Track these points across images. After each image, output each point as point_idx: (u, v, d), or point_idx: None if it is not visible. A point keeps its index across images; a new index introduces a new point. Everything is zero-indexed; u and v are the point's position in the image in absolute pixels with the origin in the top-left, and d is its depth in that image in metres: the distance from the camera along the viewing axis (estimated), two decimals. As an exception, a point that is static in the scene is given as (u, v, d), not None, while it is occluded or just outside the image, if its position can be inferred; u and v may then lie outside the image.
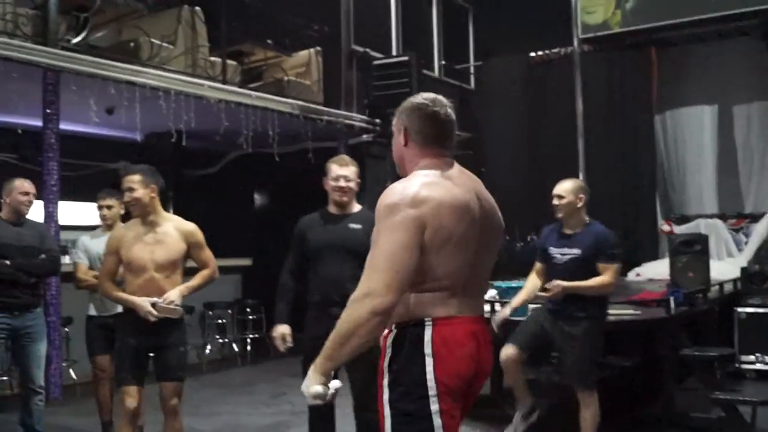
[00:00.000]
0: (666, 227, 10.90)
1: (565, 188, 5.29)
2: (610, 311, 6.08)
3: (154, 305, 4.52)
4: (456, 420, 2.60)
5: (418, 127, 2.75)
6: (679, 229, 10.38)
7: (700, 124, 11.15)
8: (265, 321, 10.29)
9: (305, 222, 4.75)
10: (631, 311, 6.22)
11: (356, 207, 4.70)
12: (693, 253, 7.51)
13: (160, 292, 4.57)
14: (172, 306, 4.55)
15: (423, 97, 2.80)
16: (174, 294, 4.58)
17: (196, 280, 4.81)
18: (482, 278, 2.79)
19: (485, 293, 3.01)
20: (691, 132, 11.25)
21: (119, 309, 5.68)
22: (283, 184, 11.46)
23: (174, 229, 4.68)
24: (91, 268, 5.77)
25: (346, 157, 4.78)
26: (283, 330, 4.58)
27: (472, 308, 2.68)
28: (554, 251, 5.22)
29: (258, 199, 12.71)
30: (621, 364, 8.78)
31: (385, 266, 2.47)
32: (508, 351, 5.30)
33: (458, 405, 2.60)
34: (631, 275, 10.17)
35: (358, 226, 4.51)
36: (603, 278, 5.01)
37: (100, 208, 5.90)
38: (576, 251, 5.12)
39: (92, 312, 5.82)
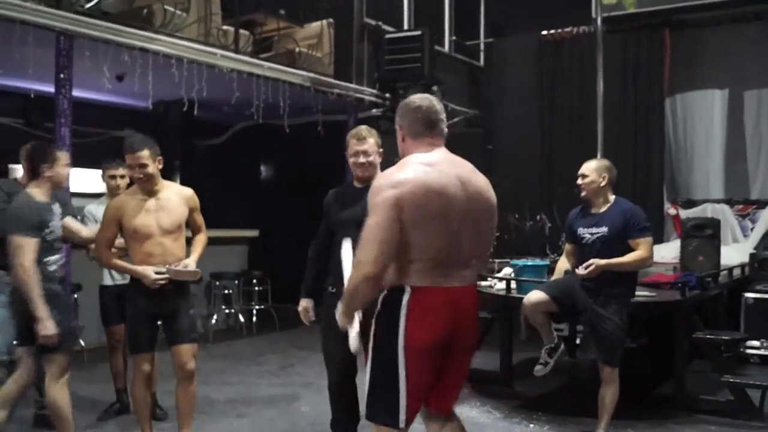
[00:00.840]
0: (672, 211, 10.89)
1: (588, 167, 5.31)
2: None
3: (169, 271, 4.57)
4: (426, 367, 3.15)
5: (408, 122, 3.25)
6: (685, 214, 10.38)
7: (710, 108, 11.11)
8: (270, 292, 10.32)
9: (330, 196, 4.78)
10: (644, 293, 6.22)
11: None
12: (704, 237, 7.52)
13: (171, 256, 4.64)
14: (191, 269, 4.64)
15: (410, 97, 3.32)
16: (191, 260, 4.71)
17: (198, 249, 4.88)
18: (467, 253, 3.22)
19: (474, 266, 3.34)
20: (701, 116, 11.21)
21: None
22: (291, 156, 11.45)
23: (175, 195, 4.78)
24: None
25: (364, 130, 4.65)
26: (305, 305, 4.67)
27: (453, 279, 3.18)
28: (583, 231, 5.24)
29: (266, 170, 12.69)
30: (627, 345, 8.84)
31: (372, 241, 3.02)
32: (536, 296, 5.38)
33: (429, 359, 3.15)
34: (636, 257, 10.18)
35: None
36: (639, 253, 5.04)
37: (112, 177, 5.84)
38: (604, 229, 5.14)
39: (107, 281, 5.82)
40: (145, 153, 4.66)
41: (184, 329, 4.73)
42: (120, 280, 5.71)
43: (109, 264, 4.80)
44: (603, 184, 5.24)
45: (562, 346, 5.59)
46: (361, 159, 4.54)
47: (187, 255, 4.79)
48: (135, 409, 4.85)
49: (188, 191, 4.88)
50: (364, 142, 4.54)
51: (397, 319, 3.11)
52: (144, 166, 4.62)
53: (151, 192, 4.68)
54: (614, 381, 5.15)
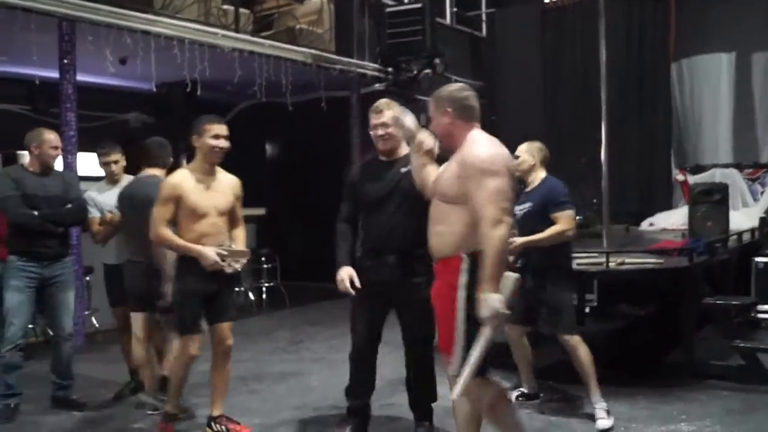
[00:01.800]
0: (680, 177, 10.89)
1: (521, 149, 5.53)
2: (630, 260, 6.18)
3: (224, 252, 4.62)
4: None
5: (459, 107, 3.67)
6: (693, 179, 10.39)
7: (718, 72, 11.10)
8: (279, 270, 10.40)
9: (356, 171, 4.82)
10: (652, 260, 6.26)
11: (404, 149, 4.63)
12: (712, 202, 7.53)
13: (223, 236, 4.73)
14: (244, 249, 4.78)
15: (457, 84, 3.80)
16: (242, 245, 4.87)
17: (242, 244, 4.91)
18: None
19: None
20: (708, 80, 11.20)
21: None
22: (296, 134, 11.48)
23: (225, 180, 4.83)
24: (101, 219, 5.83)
25: (382, 103, 4.65)
26: (349, 271, 4.55)
27: None
28: (516, 209, 5.30)
29: (271, 148, 12.73)
30: (635, 313, 8.91)
31: (497, 201, 3.41)
32: (508, 331, 5.56)
33: None
34: (644, 225, 10.21)
35: (406, 169, 4.49)
36: (556, 227, 5.19)
37: (107, 164, 5.92)
38: (528, 205, 5.35)
39: (109, 260, 5.90)
40: (225, 127, 4.78)
41: (227, 308, 4.84)
42: (115, 261, 5.77)
43: (168, 242, 4.66)
44: (533, 162, 5.45)
45: (540, 397, 5.71)
46: (380, 131, 4.58)
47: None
48: (172, 385, 4.84)
49: (235, 180, 4.91)
50: (382, 115, 4.57)
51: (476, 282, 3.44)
52: (227, 138, 4.71)
53: (209, 172, 4.72)
54: (580, 344, 5.24)
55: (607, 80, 7.21)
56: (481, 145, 3.58)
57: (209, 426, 4.90)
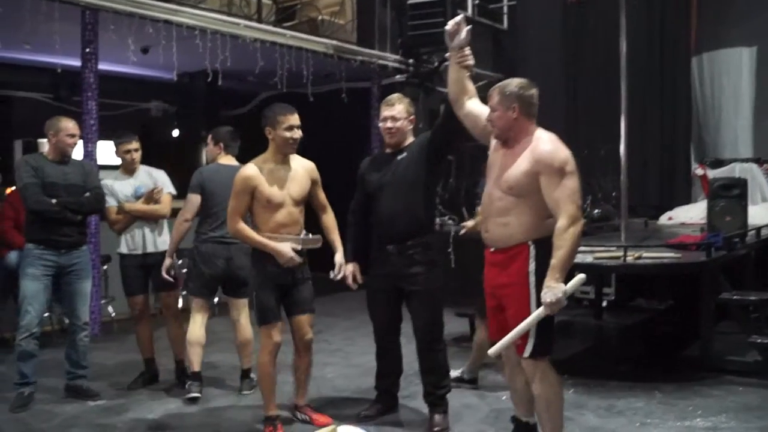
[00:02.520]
0: (699, 171, 10.73)
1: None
2: (648, 254, 6.09)
3: (301, 240, 4.64)
4: None
5: (527, 104, 3.81)
6: (713, 173, 10.23)
7: (738, 66, 10.88)
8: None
9: (364, 163, 4.98)
10: (670, 254, 6.17)
11: (409, 140, 4.81)
12: (731, 197, 7.41)
13: (298, 225, 4.70)
14: (317, 237, 4.74)
15: (523, 81, 3.87)
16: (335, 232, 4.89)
17: (336, 234, 4.89)
18: None
19: None
20: (729, 74, 10.98)
21: (152, 248, 5.80)
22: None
23: (300, 167, 4.76)
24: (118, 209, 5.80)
25: (394, 97, 4.86)
26: (351, 269, 4.82)
27: None
28: None
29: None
30: (653, 307, 8.83)
31: (576, 200, 3.66)
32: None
33: None
34: (663, 219, 10.09)
35: (403, 155, 4.73)
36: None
37: (127, 152, 5.85)
38: None
39: (123, 250, 5.83)
40: (402, 107, 4.77)
41: (307, 299, 4.79)
42: (135, 249, 5.77)
43: (243, 236, 4.62)
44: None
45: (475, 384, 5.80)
46: (389, 124, 4.74)
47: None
48: (262, 384, 4.78)
49: (311, 164, 4.84)
50: (393, 108, 4.75)
51: (547, 267, 3.66)
52: (300, 128, 4.64)
53: (282, 161, 4.66)
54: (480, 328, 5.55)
55: (628, 74, 7.12)
56: (555, 144, 3.78)
57: (293, 415, 4.99)
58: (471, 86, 4.25)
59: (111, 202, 5.75)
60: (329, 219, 4.93)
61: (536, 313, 3.66)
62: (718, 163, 10.70)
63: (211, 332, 7.64)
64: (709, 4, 10.78)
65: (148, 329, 5.91)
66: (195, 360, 5.55)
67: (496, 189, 3.89)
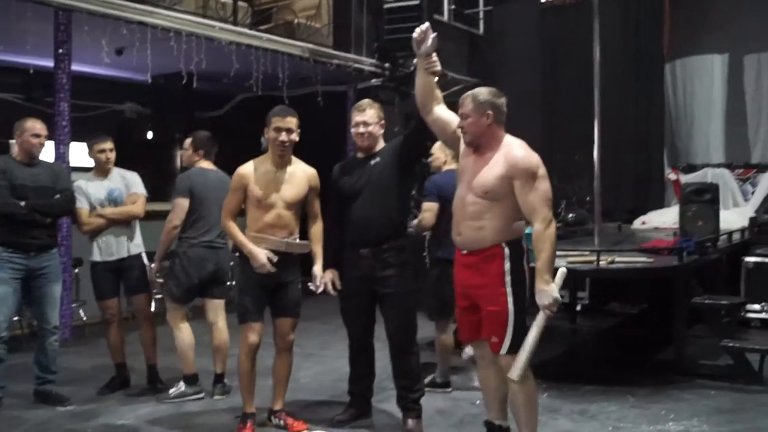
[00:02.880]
0: (672, 176, 10.81)
1: (436, 147, 5.77)
2: (620, 259, 6.10)
3: (285, 244, 4.63)
4: None
5: (498, 111, 3.93)
6: (685, 178, 10.31)
7: (711, 72, 10.98)
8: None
9: (336, 169, 4.96)
10: (643, 259, 6.19)
11: (380, 145, 4.86)
12: (703, 202, 7.46)
13: (288, 228, 4.68)
14: (303, 242, 4.74)
15: (493, 89, 3.99)
16: (318, 242, 4.87)
17: (320, 246, 4.85)
18: None
19: None
20: (701, 80, 11.08)
21: (125, 253, 5.71)
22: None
23: (300, 171, 4.75)
24: (92, 212, 5.66)
25: (365, 102, 4.89)
26: (330, 274, 4.84)
27: None
28: None
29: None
30: (627, 311, 8.86)
31: (549, 201, 3.80)
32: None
33: None
34: (637, 223, 10.15)
35: (377, 159, 4.76)
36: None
37: (102, 151, 5.71)
38: None
39: (96, 257, 5.68)
40: (295, 120, 4.72)
41: (291, 303, 4.79)
42: (109, 257, 5.66)
43: (230, 233, 4.73)
44: (444, 159, 5.78)
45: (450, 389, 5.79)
46: (361, 129, 4.77)
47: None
48: (240, 383, 4.82)
49: (312, 171, 4.82)
50: (364, 114, 4.78)
51: (524, 267, 3.93)
52: (291, 131, 4.63)
53: (280, 164, 4.66)
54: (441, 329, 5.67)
55: (602, 79, 7.15)
56: (526, 150, 3.92)
57: (269, 419, 4.94)
58: (438, 93, 4.32)
59: (83, 204, 5.62)
60: (317, 229, 4.89)
61: (539, 321, 3.77)
62: (691, 168, 10.80)
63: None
64: (683, 11, 10.86)
65: (120, 334, 5.81)
66: (190, 362, 5.58)
67: (470, 193, 3.95)
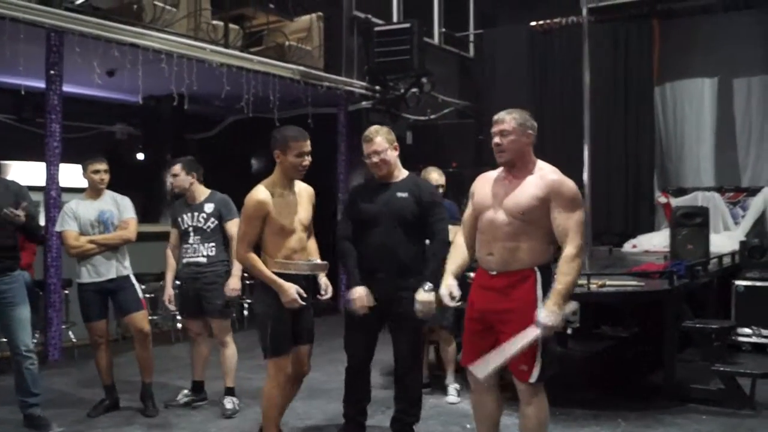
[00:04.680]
0: (663, 199, 10.91)
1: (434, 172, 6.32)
2: (611, 282, 6.13)
3: (310, 266, 4.56)
4: None
5: (535, 134, 3.99)
6: (676, 202, 10.40)
7: (700, 96, 11.12)
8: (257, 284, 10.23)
9: (356, 190, 5.00)
10: (633, 283, 6.22)
11: (402, 173, 4.85)
12: (693, 225, 7.52)
13: (307, 249, 4.63)
14: (324, 263, 4.62)
15: (525, 112, 4.01)
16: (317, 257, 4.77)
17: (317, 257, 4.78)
18: None
19: None
20: (691, 104, 11.22)
21: (114, 274, 5.69)
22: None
23: (304, 191, 4.66)
24: (81, 233, 5.64)
25: (372, 131, 4.78)
26: (361, 292, 4.66)
27: None
28: None
29: (257, 163, 12.67)
30: (618, 335, 8.87)
31: (582, 232, 3.83)
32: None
33: None
34: (627, 246, 10.21)
35: (404, 195, 4.72)
36: None
37: (96, 172, 5.73)
38: None
39: (84, 279, 5.66)
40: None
41: (309, 327, 4.65)
42: (98, 277, 5.65)
43: (253, 268, 4.43)
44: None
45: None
46: (375, 159, 4.73)
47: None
48: (266, 415, 4.59)
49: (310, 189, 4.72)
50: (373, 143, 4.72)
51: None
52: (309, 154, 4.51)
53: (289, 186, 4.54)
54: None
55: (592, 102, 7.24)
56: (562, 176, 3.93)
57: None
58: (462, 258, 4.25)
59: (71, 227, 5.61)
60: (312, 243, 4.81)
61: (532, 335, 3.70)
62: (681, 192, 10.90)
63: (173, 358, 7.58)
64: (672, 34, 11.00)
65: (108, 356, 5.79)
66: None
67: (504, 214, 3.92)
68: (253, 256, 4.40)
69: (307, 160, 4.49)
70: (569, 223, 3.79)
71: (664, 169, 11.35)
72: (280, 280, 4.37)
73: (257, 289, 4.61)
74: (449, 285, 4.08)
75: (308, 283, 4.58)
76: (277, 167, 4.53)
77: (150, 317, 8.77)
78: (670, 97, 11.38)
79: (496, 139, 3.94)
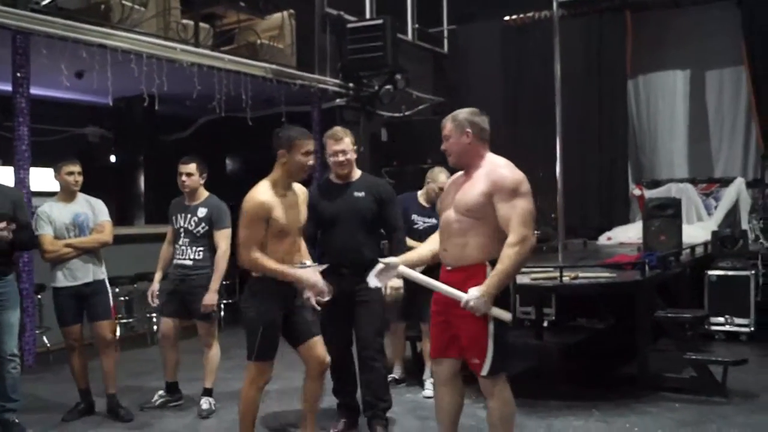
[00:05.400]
0: (637, 191, 11.04)
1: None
2: (584, 274, 6.22)
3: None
4: None
5: (479, 129, 4.05)
6: (650, 194, 10.52)
7: (673, 88, 11.25)
8: (238, 286, 10.27)
9: (314, 192, 5.07)
10: (606, 274, 6.31)
11: (356, 174, 5.14)
12: (666, 216, 7.62)
13: (301, 252, 4.62)
14: (321, 265, 4.55)
15: (473, 108, 4.15)
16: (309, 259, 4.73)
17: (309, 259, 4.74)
18: None
19: None
20: (664, 97, 11.35)
21: (91, 277, 5.70)
22: (256, 149, 11.34)
23: (301, 192, 4.60)
24: (56, 237, 5.64)
25: (339, 131, 5.08)
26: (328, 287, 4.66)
27: None
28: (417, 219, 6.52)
29: (231, 163, 12.69)
30: (594, 326, 8.99)
31: (530, 221, 3.83)
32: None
33: None
34: (602, 239, 10.31)
35: (361, 194, 5.05)
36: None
37: (70, 173, 5.72)
38: (434, 221, 6.21)
39: (60, 283, 5.65)
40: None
41: (314, 321, 4.62)
42: (74, 281, 5.65)
43: (265, 268, 4.29)
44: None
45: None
46: (340, 158, 5.03)
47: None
48: (244, 417, 4.56)
49: (305, 189, 4.66)
50: (341, 142, 5.02)
51: (507, 288, 3.89)
52: (312, 153, 4.45)
53: (288, 186, 4.45)
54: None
55: (564, 96, 7.31)
56: (509, 168, 3.97)
57: None
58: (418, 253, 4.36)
59: (46, 231, 5.60)
60: (303, 245, 4.75)
61: (457, 294, 3.83)
62: (655, 184, 11.02)
63: (150, 360, 7.58)
64: (645, 28, 11.11)
65: (83, 360, 5.81)
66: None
67: (453, 212, 4.02)
68: (261, 256, 4.26)
69: (312, 160, 4.44)
70: (511, 213, 3.81)
71: (638, 161, 11.47)
72: (299, 271, 4.35)
73: (249, 293, 4.48)
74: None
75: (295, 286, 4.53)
76: (278, 167, 4.42)
77: (125, 320, 8.84)
78: (644, 90, 11.51)
79: (443, 145, 4.12)
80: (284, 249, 4.39)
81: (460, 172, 4.18)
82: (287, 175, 4.42)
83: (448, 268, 4.06)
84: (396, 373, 6.68)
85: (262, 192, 4.32)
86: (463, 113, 4.10)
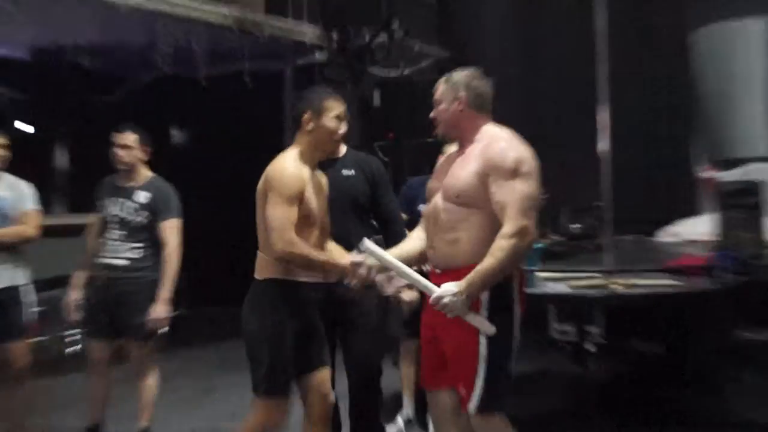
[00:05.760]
0: (705, 174, 10.93)
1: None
2: (640, 282, 6.10)
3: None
4: None
5: (474, 94, 4.07)
6: (723, 177, 10.41)
7: (747, 41, 11.15)
8: (185, 293, 10.00)
9: None
10: (668, 282, 6.18)
11: (342, 148, 5.03)
12: (745, 206, 7.50)
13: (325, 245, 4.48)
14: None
15: (473, 70, 4.17)
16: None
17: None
18: None
19: None
20: (735, 52, 11.25)
21: (8, 282, 5.66)
22: (211, 116, 11.34)
23: (320, 175, 4.56)
24: None
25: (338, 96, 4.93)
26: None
27: None
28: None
29: (177, 135, 12.64)
30: (651, 350, 8.89)
31: (527, 208, 3.77)
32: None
33: None
34: (664, 235, 10.20)
35: (351, 172, 5.03)
36: None
37: None
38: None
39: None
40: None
41: (323, 346, 4.52)
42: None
43: (302, 255, 4.12)
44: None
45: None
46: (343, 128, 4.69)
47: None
48: None
49: (324, 175, 4.63)
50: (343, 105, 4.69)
51: (512, 298, 3.93)
52: (344, 119, 4.46)
53: (314, 163, 4.43)
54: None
55: (607, 53, 7.21)
56: (510, 142, 3.94)
57: None
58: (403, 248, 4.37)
59: None
60: (332, 244, 4.72)
61: (426, 284, 3.86)
62: (729, 164, 10.87)
63: (66, 393, 7.48)
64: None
65: None
66: None
67: (442, 198, 4.02)
68: (300, 243, 4.13)
69: (344, 127, 4.43)
70: (508, 198, 3.76)
71: (705, 137, 11.38)
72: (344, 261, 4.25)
73: (253, 299, 4.35)
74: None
75: (322, 295, 4.46)
76: (301, 137, 4.41)
77: (37, 338, 8.72)
78: (709, 45, 11.41)
79: (432, 112, 4.17)
80: (316, 238, 4.33)
81: (454, 148, 4.18)
82: (313, 146, 4.38)
83: (438, 270, 4.04)
84: (405, 413, 6.40)
85: (292, 163, 4.28)
86: (457, 74, 4.14)
